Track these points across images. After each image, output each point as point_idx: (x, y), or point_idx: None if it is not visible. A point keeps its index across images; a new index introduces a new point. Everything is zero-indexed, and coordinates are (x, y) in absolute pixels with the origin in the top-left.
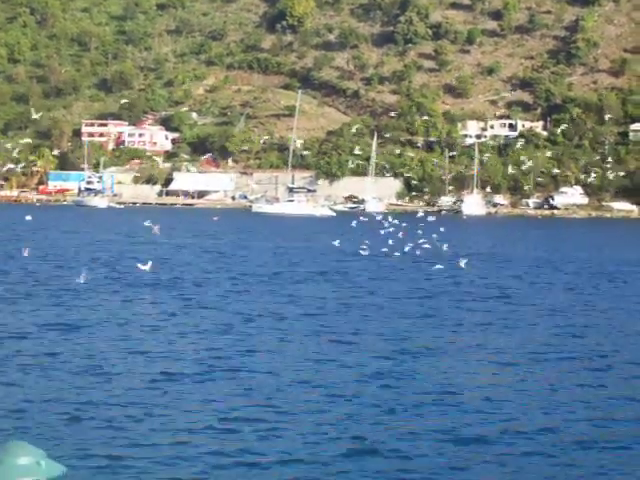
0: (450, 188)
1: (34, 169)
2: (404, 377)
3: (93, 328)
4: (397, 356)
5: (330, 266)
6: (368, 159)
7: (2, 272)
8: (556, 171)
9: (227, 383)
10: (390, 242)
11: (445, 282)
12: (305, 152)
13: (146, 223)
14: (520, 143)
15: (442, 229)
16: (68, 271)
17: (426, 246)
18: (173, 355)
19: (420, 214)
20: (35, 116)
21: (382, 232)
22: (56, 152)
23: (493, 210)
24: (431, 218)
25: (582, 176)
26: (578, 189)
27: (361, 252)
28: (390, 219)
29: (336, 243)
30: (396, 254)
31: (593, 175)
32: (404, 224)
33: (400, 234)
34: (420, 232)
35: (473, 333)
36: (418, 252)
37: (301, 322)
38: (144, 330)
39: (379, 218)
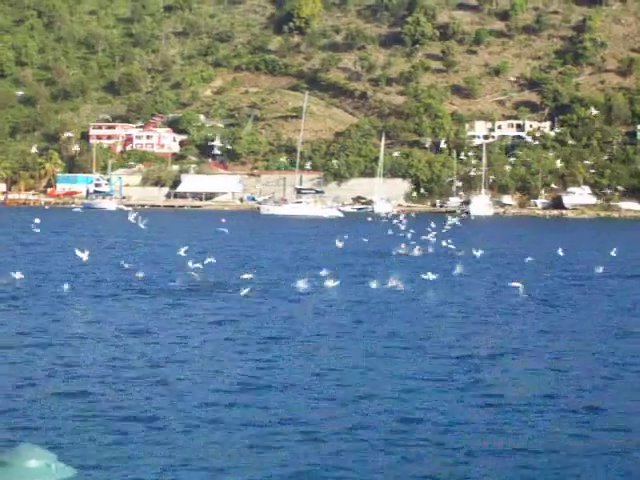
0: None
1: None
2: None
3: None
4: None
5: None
6: (376, 160)
7: None
8: (564, 171)
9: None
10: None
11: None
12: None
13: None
14: (527, 143)
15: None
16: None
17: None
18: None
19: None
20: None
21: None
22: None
23: (501, 210)
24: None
25: (590, 176)
26: (586, 189)
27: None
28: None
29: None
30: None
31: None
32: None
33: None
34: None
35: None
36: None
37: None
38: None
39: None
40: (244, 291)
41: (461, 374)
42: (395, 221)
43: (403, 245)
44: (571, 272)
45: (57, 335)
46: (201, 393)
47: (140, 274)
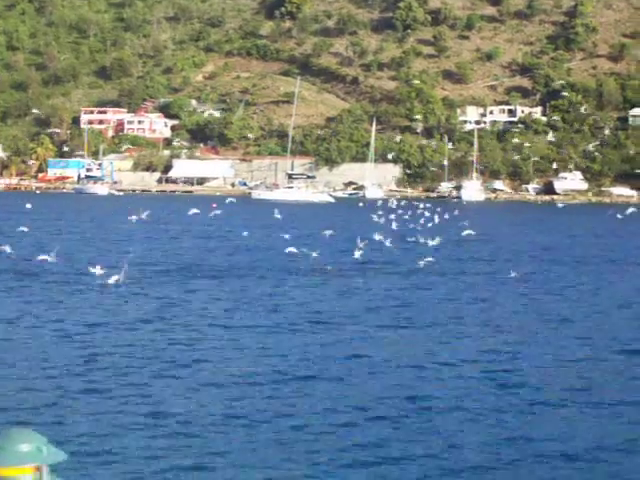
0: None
1: (33, 157)
2: None
3: None
4: None
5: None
6: (367, 145)
7: None
8: (555, 156)
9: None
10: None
11: None
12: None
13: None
14: (519, 129)
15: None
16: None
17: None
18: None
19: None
20: None
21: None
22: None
23: (492, 196)
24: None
25: (581, 161)
26: (578, 174)
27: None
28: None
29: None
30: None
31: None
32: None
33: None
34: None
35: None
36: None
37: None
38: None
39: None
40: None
41: (492, 362)
42: (390, 205)
43: (414, 234)
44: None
45: (74, 318)
46: (219, 384)
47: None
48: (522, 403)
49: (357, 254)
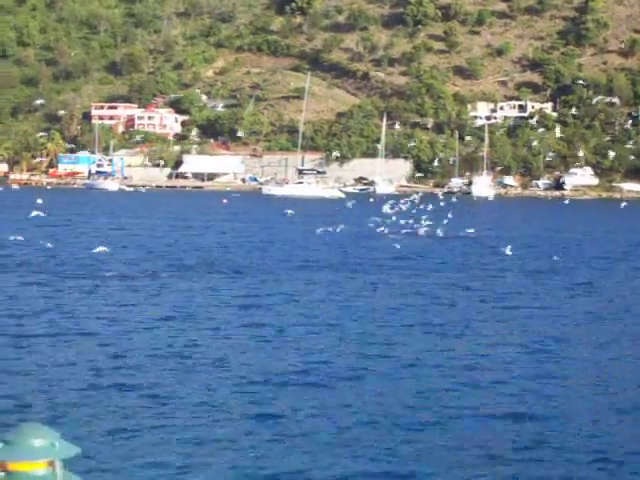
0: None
1: (44, 152)
2: None
3: None
4: None
5: None
6: (378, 140)
7: None
8: (566, 152)
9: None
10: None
11: None
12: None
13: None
14: (530, 124)
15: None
16: None
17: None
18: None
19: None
20: None
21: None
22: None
23: (503, 191)
24: None
25: (592, 157)
26: (588, 170)
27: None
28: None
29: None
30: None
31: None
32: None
33: None
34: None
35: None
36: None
37: None
38: None
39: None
40: None
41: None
42: (400, 200)
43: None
44: None
45: (85, 314)
46: (230, 381)
47: None
48: (553, 405)
49: (368, 251)
